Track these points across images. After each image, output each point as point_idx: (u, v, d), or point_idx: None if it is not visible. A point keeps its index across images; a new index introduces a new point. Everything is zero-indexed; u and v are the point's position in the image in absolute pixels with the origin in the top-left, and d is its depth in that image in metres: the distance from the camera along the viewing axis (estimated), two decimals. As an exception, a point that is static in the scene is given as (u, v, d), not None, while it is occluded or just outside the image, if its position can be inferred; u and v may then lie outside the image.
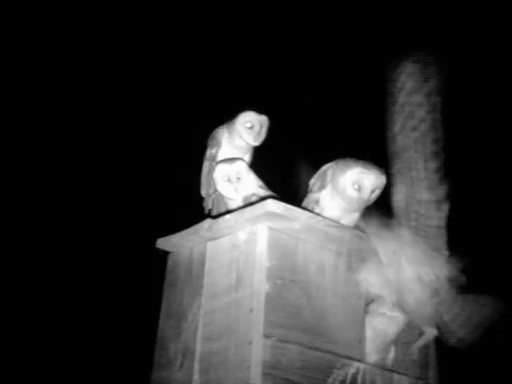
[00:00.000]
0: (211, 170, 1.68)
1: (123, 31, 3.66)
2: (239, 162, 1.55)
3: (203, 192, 1.75)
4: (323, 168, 1.54)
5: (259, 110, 1.71)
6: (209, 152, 1.74)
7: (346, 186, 1.44)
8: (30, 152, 3.70)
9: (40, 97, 3.71)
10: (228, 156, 1.68)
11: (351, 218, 1.49)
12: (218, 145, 1.71)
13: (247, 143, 1.69)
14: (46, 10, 3.49)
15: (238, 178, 1.52)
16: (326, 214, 1.47)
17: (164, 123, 3.62)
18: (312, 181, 1.56)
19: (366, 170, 1.44)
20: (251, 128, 1.68)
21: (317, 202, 1.50)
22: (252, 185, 1.52)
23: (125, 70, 3.71)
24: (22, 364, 3.47)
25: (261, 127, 1.69)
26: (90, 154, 3.74)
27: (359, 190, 1.43)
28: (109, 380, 3.40)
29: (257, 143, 1.70)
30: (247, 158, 1.72)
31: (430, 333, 1.42)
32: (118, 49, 3.71)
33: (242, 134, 1.68)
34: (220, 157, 1.71)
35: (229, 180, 1.53)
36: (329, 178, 1.49)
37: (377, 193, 1.46)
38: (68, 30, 3.65)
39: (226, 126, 1.72)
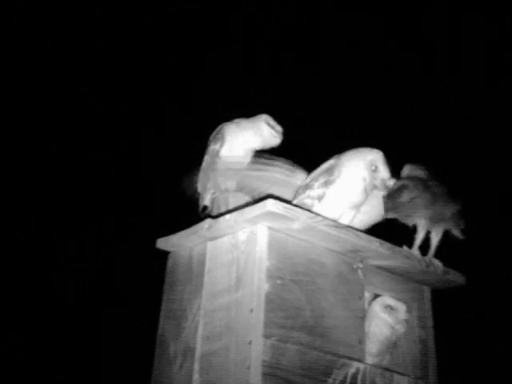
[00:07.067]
0: (212, 165, 1.67)
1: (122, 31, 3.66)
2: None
3: (199, 187, 1.73)
4: (328, 164, 1.54)
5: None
6: (212, 147, 1.71)
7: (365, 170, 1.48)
8: (30, 150, 3.70)
9: (39, 96, 3.71)
10: (233, 152, 1.66)
11: (351, 214, 1.51)
12: (223, 140, 1.69)
13: (253, 143, 1.68)
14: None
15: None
16: (330, 209, 1.47)
17: (164, 122, 3.61)
18: (309, 177, 1.56)
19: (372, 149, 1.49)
20: (274, 137, 1.68)
21: (320, 197, 1.50)
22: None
23: (124, 68, 3.71)
24: (22, 364, 3.47)
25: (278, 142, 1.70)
26: (91, 154, 3.74)
27: (375, 170, 1.47)
28: (109, 380, 3.40)
29: (258, 149, 1.70)
30: (249, 156, 1.71)
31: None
32: (118, 48, 3.71)
33: (264, 134, 1.68)
34: (224, 152, 1.69)
35: None
36: (337, 173, 1.49)
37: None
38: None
39: (244, 121, 1.71)
